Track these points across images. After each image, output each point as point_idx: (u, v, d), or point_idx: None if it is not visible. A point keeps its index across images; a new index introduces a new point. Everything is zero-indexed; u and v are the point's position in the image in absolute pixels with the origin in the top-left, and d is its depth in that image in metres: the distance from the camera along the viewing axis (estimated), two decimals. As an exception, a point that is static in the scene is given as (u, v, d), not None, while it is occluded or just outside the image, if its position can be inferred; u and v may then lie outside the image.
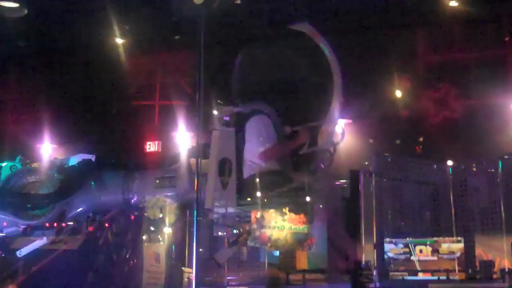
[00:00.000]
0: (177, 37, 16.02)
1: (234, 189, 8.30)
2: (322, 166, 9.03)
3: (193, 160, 10.77)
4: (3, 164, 11.66)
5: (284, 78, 9.09)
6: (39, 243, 11.32)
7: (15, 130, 18.48)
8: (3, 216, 11.04)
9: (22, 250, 11.30)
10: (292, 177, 8.69)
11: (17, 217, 11.11)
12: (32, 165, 11.54)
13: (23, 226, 11.16)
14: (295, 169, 8.77)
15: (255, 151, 8.31)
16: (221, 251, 9.98)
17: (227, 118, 8.47)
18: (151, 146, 17.72)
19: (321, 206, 9.65)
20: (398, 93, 16.83)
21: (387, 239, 12.57)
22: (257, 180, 8.45)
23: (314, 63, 9.15)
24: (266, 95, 8.64)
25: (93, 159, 12.25)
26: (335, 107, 8.70)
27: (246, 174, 8.47)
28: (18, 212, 11.09)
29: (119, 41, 16.49)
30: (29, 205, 10.94)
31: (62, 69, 17.86)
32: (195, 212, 6.79)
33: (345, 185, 14.42)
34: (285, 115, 8.70)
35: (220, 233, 9.41)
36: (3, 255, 11.23)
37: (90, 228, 12.57)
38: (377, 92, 16.30)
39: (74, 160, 12.33)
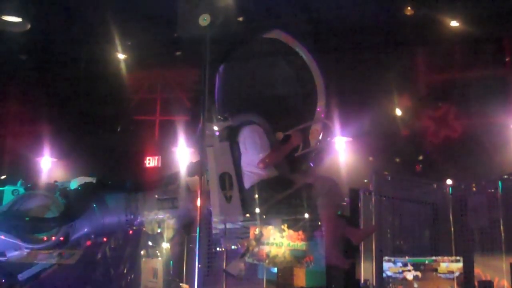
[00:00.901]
0: (178, 53, 16.07)
1: (239, 201, 8.66)
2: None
3: (189, 179, 10.84)
4: (5, 188, 11.76)
5: (267, 85, 9.49)
6: (41, 266, 11.32)
7: (15, 144, 18.49)
8: (7, 239, 11.07)
9: (24, 273, 11.28)
10: (293, 180, 8.87)
11: (22, 241, 11.15)
12: (36, 191, 11.55)
13: (27, 250, 11.21)
14: (293, 171, 8.97)
15: (252, 161, 8.54)
16: (233, 263, 10.18)
17: (217, 133, 8.69)
18: (151, 161, 17.73)
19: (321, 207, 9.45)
20: (398, 112, 16.86)
21: (386, 258, 12.54)
22: (260, 188, 8.71)
23: (295, 68, 9.17)
24: (254, 104, 8.97)
25: (94, 181, 12.28)
26: (321, 107, 9.25)
27: (247, 184, 8.71)
28: (23, 236, 11.12)
29: (121, 56, 16.54)
30: (34, 229, 10.95)
31: (63, 84, 17.90)
32: (198, 229, 6.82)
33: (345, 204, 14.42)
34: (274, 121, 9.02)
35: (233, 246, 9.79)
36: (3, 280, 11.20)
37: (88, 243, 12.53)
38: (377, 110, 16.33)
39: (75, 183, 12.42)
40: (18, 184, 12.08)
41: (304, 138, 9.15)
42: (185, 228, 12.48)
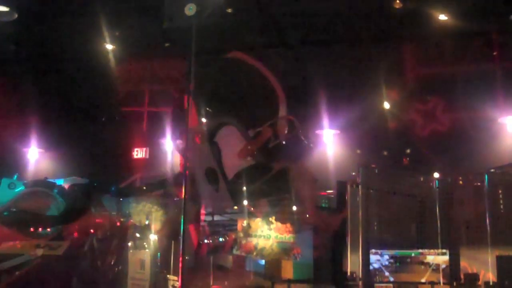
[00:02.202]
0: (167, 44, 16.00)
1: (226, 190, 9.76)
2: None
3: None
4: (1, 180, 11.95)
5: (238, 90, 10.76)
6: (22, 258, 11.43)
7: (1, 135, 18.38)
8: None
9: (4, 263, 11.44)
10: (271, 166, 10.30)
11: (23, 235, 11.33)
12: (37, 188, 11.78)
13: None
14: (270, 159, 10.38)
15: (231, 155, 9.68)
16: (224, 256, 10.84)
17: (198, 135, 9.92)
18: (139, 153, 17.70)
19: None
20: (386, 105, 16.89)
21: (373, 251, 12.59)
22: (241, 175, 9.99)
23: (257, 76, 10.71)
24: (228, 108, 10.21)
25: (86, 182, 12.56)
26: (283, 107, 10.64)
27: (230, 175, 9.84)
28: (25, 231, 11.33)
29: (109, 47, 16.44)
30: (37, 225, 11.19)
31: (50, 74, 17.79)
32: (181, 220, 6.86)
33: (332, 196, 14.48)
34: (246, 120, 10.45)
35: (220, 239, 11.29)
36: None
37: (75, 234, 12.52)
38: (365, 103, 16.35)
39: (64, 181, 12.63)
40: (15, 177, 12.28)
41: (274, 133, 10.62)
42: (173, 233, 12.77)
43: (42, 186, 12.53)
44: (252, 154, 10.15)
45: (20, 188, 12.28)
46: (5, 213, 11.43)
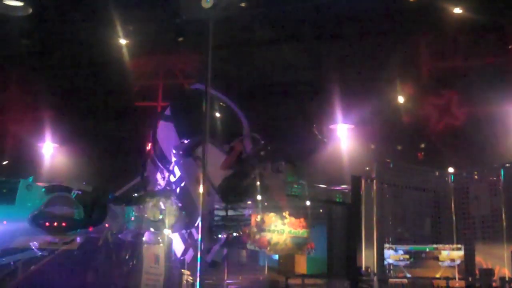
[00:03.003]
0: (180, 39, 15.99)
1: (214, 194, 11.76)
2: None
3: None
4: (20, 181, 12.45)
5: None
6: (26, 254, 11.77)
7: (17, 129, 18.49)
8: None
9: (4, 258, 11.76)
10: (247, 172, 12.29)
11: (52, 236, 12.03)
12: (63, 194, 12.22)
13: (40, 254, 11.74)
14: (246, 167, 12.41)
15: (213, 166, 11.20)
16: (216, 251, 12.83)
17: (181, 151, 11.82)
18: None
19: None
20: (401, 100, 16.82)
21: (387, 245, 12.55)
22: (226, 182, 12.13)
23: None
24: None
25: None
26: (246, 129, 12.89)
27: (216, 183, 11.84)
28: (54, 233, 12.03)
29: (123, 41, 16.46)
30: (64, 229, 12.00)
31: (64, 69, 17.84)
32: (199, 217, 6.89)
33: (346, 191, 14.42)
34: (222, 137, 12.33)
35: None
36: None
37: (90, 228, 12.57)
38: (379, 98, 16.29)
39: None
40: (30, 179, 12.67)
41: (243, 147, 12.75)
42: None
43: (63, 191, 12.88)
44: (231, 165, 12.30)
45: (37, 190, 12.70)
46: (37, 216, 11.90)
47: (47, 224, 12.09)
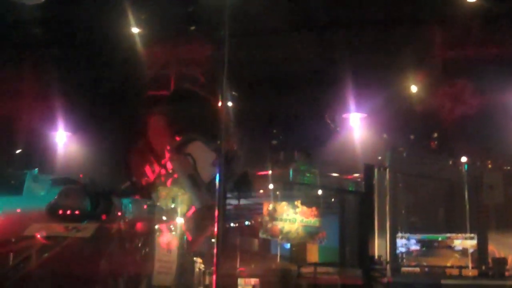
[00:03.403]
0: (192, 27, 15.95)
1: (205, 189, 11.27)
2: None
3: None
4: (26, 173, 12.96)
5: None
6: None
7: (30, 118, 18.52)
8: None
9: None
10: (235, 170, 12.08)
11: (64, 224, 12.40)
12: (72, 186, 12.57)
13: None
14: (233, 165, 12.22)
15: (202, 164, 11.16)
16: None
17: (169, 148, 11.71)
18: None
19: None
20: (414, 88, 16.72)
21: (399, 234, 12.55)
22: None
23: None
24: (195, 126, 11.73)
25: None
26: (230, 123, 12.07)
27: (207, 179, 11.44)
28: (66, 221, 12.24)
29: (135, 30, 16.44)
30: (75, 219, 12.18)
31: (77, 57, 17.84)
32: (217, 206, 6.90)
33: (359, 180, 14.41)
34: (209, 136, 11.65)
35: (246, 222, 13.68)
36: None
37: (103, 216, 12.60)
38: (392, 87, 16.20)
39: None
40: (35, 171, 12.88)
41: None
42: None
43: (70, 183, 13.04)
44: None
45: (43, 181, 12.93)
46: (53, 207, 12.14)
47: (60, 212, 12.16)
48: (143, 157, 13.14)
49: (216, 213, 6.96)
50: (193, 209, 11.83)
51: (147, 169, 12.97)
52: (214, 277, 6.60)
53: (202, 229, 12.73)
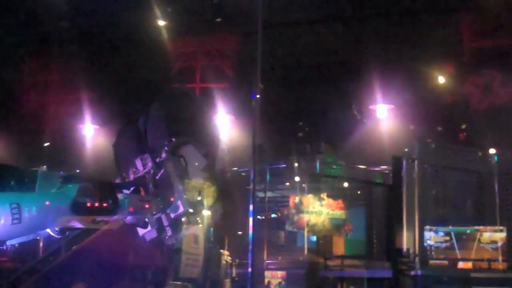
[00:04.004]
0: (218, 19, 15.97)
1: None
2: None
3: None
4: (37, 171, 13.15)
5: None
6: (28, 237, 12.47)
7: (58, 111, 18.69)
8: None
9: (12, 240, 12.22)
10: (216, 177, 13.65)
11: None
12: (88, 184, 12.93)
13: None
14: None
15: (193, 165, 12.63)
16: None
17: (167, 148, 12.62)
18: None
19: None
20: (442, 79, 16.57)
21: (427, 227, 12.42)
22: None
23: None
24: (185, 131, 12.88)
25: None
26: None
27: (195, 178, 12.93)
28: (93, 213, 12.60)
29: (161, 23, 16.50)
30: (93, 213, 12.55)
31: (104, 50, 17.96)
32: (251, 200, 6.88)
33: (386, 172, 14.29)
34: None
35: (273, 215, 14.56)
36: None
37: (131, 209, 12.67)
38: (420, 78, 16.09)
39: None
40: (44, 168, 13.72)
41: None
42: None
43: (78, 179, 13.28)
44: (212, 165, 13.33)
45: (53, 178, 13.21)
46: (75, 205, 12.39)
47: (88, 204, 12.25)
48: (134, 152, 13.31)
49: (251, 207, 6.95)
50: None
51: (138, 163, 13.14)
52: (249, 269, 6.61)
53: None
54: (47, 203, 12.38)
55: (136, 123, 13.39)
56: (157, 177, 12.68)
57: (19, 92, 18.62)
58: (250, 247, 6.84)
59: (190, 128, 12.85)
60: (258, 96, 7.74)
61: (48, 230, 12.30)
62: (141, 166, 12.92)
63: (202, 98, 14.04)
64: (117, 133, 14.00)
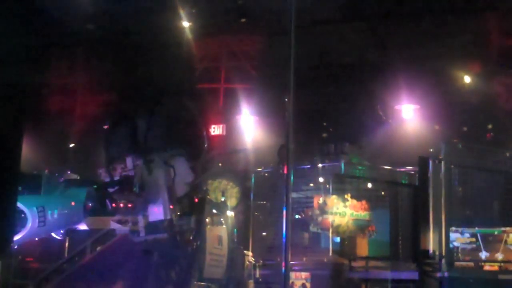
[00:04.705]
0: (243, 20, 15.96)
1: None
2: None
3: None
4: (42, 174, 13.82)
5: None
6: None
7: (84, 113, 18.82)
8: None
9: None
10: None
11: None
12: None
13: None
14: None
15: (183, 176, 12.64)
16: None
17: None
18: (216, 129, 17.81)
19: None
20: (468, 79, 16.42)
21: (453, 228, 12.29)
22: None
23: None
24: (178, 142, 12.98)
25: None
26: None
27: (180, 194, 12.79)
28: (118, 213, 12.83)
29: (186, 24, 16.53)
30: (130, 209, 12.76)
31: (128, 52, 18.03)
32: (285, 199, 6.84)
33: (412, 172, 14.17)
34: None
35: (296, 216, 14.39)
36: None
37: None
38: (446, 77, 15.96)
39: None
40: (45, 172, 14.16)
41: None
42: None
43: (79, 184, 13.43)
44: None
45: (56, 181, 13.39)
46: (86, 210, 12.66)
47: (113, 205, 12.32)
48: (127, 149, 13.33)
49: (284, 210, 6.92)
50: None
51: (128, 161, 13.17)
52: (283, 269, 6.60)
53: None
54: (72, 203, 12.54)
55: (134, 120, 13.18)
56: (144, 179, 12.70)
57: (48, 94, 18.80)
58: (284, 247, 6.82)
59: (186, 140, 13.05)
60: (290, 97, 7.65)
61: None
62: (131, 164, 12.85)
63: (199, 109, 14.09)
64: (111, 124, 13.70)
